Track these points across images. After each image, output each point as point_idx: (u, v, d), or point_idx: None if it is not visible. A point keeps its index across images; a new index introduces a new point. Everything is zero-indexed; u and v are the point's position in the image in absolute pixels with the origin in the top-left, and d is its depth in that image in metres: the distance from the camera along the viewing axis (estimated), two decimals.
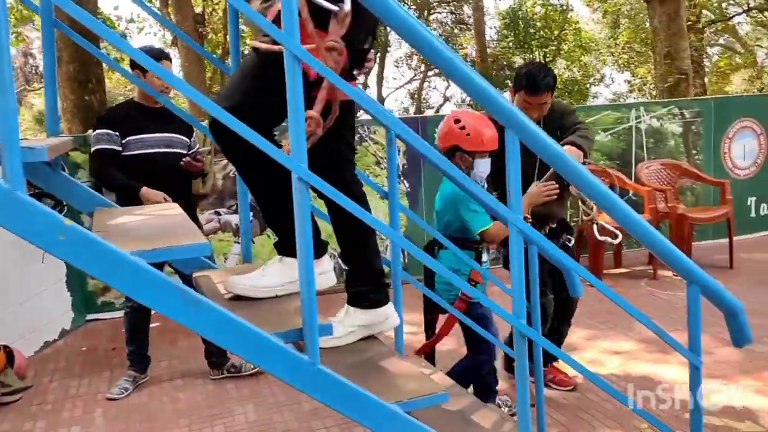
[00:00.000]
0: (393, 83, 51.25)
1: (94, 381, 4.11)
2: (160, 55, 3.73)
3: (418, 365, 2.54)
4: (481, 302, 2.92)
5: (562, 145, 2.99)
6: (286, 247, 2.00)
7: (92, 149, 3.80)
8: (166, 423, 3.48)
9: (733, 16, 21.00)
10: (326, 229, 2.04)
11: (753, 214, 7.29)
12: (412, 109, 22.78)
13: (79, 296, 5.36)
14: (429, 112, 21.60)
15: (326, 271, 2.05)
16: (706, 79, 21.05)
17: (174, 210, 2.25)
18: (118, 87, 17.68)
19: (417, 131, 6.25)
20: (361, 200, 2.03)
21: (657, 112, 6.93)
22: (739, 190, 6.90)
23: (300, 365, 1.62)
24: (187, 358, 4.39)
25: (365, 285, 2.07)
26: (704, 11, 18.93)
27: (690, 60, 9.83)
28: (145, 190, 3.62)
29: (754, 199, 7.25)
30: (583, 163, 2.99)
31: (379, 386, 1.91)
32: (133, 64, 3.68)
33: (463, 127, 2.93)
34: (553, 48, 21.38)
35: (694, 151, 7.06)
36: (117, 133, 3.74)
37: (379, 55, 20.66)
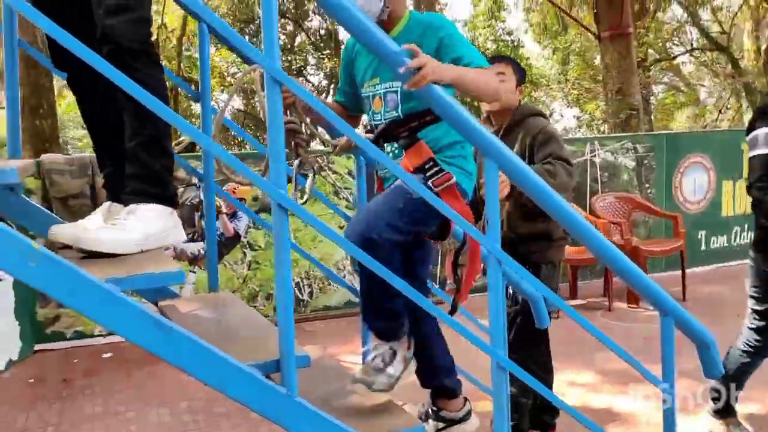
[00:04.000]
0: None
1: (43, 413, 3.91)
2: None
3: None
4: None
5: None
6: (118, 191, 1.91)
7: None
8: None
9: (677, 56, 21.94)
10: None
11: (703, 248, 7.51)
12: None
13: (28, 325, 5.12)
14: None
15: (179, 225, 1.94)
16: (652, 116, 21.86)
17: None
18: (68, 113, 17.25)
19: None
20: None
21: (611, 146, 7.12)
22: (690, 224, 7.11)
23: (277, 397, 1.57)
24: (144, 388, 4.23)
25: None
26: (650, 50, 19.73)
27: (640, 96, 10.18)
28: None
29: (704, 232, 7.48)
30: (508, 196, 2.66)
31: (357, 421, 1.86)
32: None
33: None
34: None
35: (646, 185, 7.27)
36: None
37: None
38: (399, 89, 2.02)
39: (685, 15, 20.85)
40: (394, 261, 1.85)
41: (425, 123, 1.97)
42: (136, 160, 1.85)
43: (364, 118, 2.33)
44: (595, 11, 10.49)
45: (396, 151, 2.05)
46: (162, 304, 2.21)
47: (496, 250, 1.81)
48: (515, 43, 22.16)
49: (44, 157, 5.37)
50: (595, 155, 6.97)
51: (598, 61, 21.01)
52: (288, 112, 1.89)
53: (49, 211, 2.29)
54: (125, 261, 1.72)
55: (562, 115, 24.66)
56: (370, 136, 2.04)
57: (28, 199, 2.22)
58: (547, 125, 3.00)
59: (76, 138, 18.50)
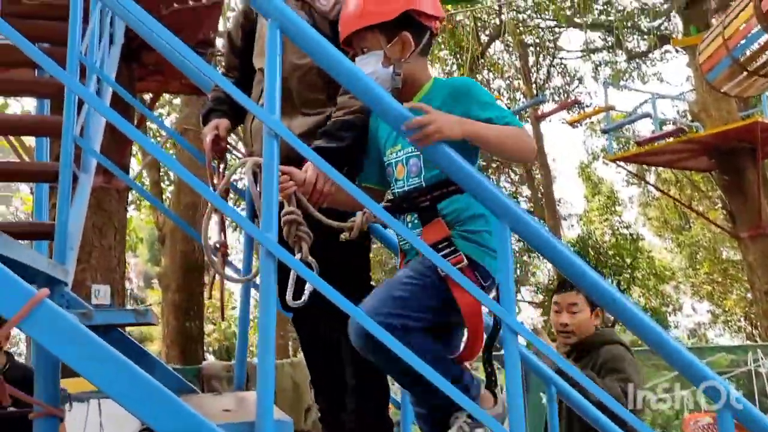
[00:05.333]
0: None
1: None
2: None
3: None
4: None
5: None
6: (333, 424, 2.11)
7: None
8: None
9: None
10: None
11: None
12: None
13: None
14: None
15: None
16: None
17: None
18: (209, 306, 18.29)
19: None
20: None
21: None
22: None
23: None
24: None
25: None
26: None
27: None
28: None
29: None
30: None
31: None
32: None
33: None
34: (627, 276, 21.20)
35: None
36: None
37: None
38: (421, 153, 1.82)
39: None
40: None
41: (449, 192, 1.79)
42: (360, 402, 1.97)
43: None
44: (729, 211, 10.33)
45: (415, 221, 1.84)
46: None
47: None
48: (634, 237, 21.86)
49: (205, 364, 5.70)
50: (759, 365, 6.46)
51: (726, 253, 20.20)
52: (287, 202, 1.71)
53: None
54: None
55: (694, 310, 23.35)
56: (389, 205, 1.85)
57: None
58: (624, 353, 2.74)
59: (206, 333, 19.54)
